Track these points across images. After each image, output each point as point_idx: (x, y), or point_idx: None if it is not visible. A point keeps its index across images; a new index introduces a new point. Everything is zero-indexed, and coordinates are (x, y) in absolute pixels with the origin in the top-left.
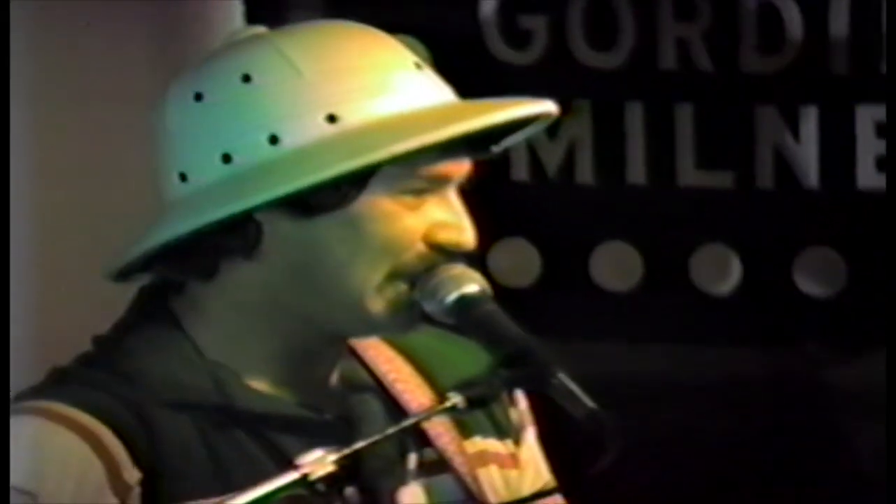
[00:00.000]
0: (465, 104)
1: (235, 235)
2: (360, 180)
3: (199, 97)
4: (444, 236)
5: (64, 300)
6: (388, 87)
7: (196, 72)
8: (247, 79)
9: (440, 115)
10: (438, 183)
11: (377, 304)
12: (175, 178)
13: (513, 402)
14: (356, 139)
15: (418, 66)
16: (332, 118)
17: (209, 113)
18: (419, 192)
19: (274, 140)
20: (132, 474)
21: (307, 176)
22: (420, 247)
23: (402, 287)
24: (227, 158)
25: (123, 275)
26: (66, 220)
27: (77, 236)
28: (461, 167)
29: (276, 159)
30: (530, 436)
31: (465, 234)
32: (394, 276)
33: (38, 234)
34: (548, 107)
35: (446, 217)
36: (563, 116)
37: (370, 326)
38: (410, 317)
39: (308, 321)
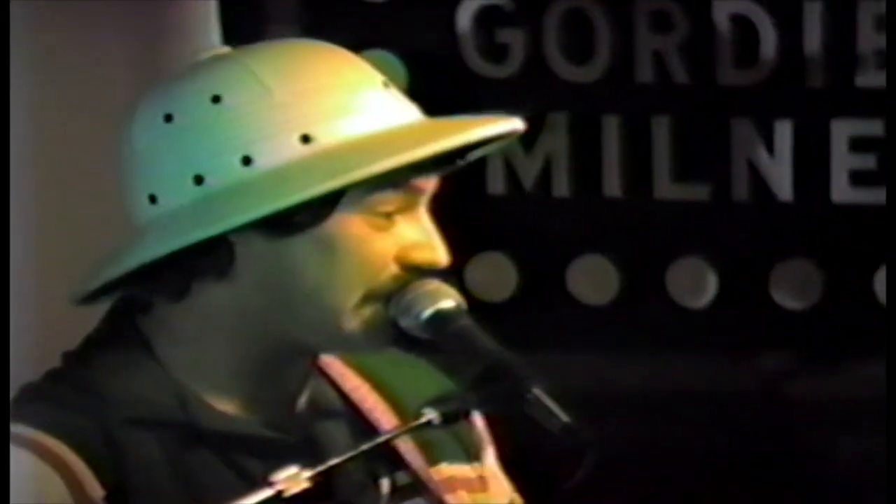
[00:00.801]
0: (434, 122)
1: (208, 257)
2: (331, 200)
3: (168, 118)
4: (418, 256)
5: (63, 302)
6: (358, 107)
7: (164, 92)
8: (217, 99)
9: (413, 134)
10: (408, 201)
11: (352, 324)
12: (144, 200)
13: (469, 422)
14: (331, 160)
15: (385, 84)
16: (305, 138)
17: (180, 134)
18: (389, 213)
19: (247, 161)
20: (96, 492)
21: (284, 197)
22: (393, 268)
23: (378, 307)
24: (198, 180)
25: (91, 298)
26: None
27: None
28: (430, 183)
29: (250, 180)
30: (490, 454)
31: (437, 252)
32: (368, 297)
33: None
34: (515, 124)
35: (417, 237)
36: (540, 130)
37: (344, 344)
38: (385, 335)
39: (278, 339)
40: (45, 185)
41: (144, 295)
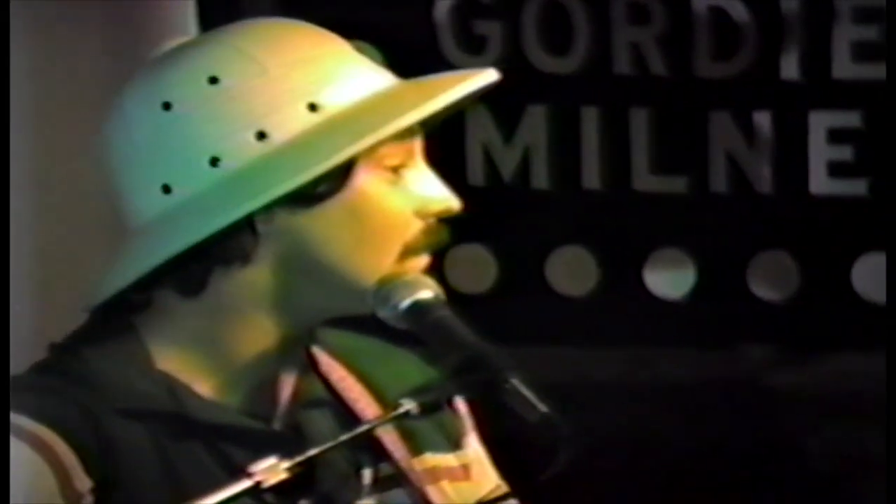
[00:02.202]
0: (419, 83)
1: (231, 242)
2: (348, 164)
3: (167, 106)
4: (436, 208)
5: (63, 300)
6: (348, 73)
7: (155, 80)
8: (214, 81)
9: (410, 94)
10: (408, 152)
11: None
12: (156, 192)
13: (453, 409)
14: (345, 125)
15: (361, 50)
16: (312, 107)
17: (184, 120)
18: (395, 167)
19: (261, 136)
20: (84, 482)
21: (308, 169)
22: (418, 222)
23: (416, 261)
24: (214, 162)
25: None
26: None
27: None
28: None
29: (269, 155)
30: (473, 440)
31: (451, 200)
32: (406, 252)
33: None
34: (492, 76)
35: (427, 188)
36: (518, 122)
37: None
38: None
39: (294, 315)
40: (23, 183)
41: (164, 291)
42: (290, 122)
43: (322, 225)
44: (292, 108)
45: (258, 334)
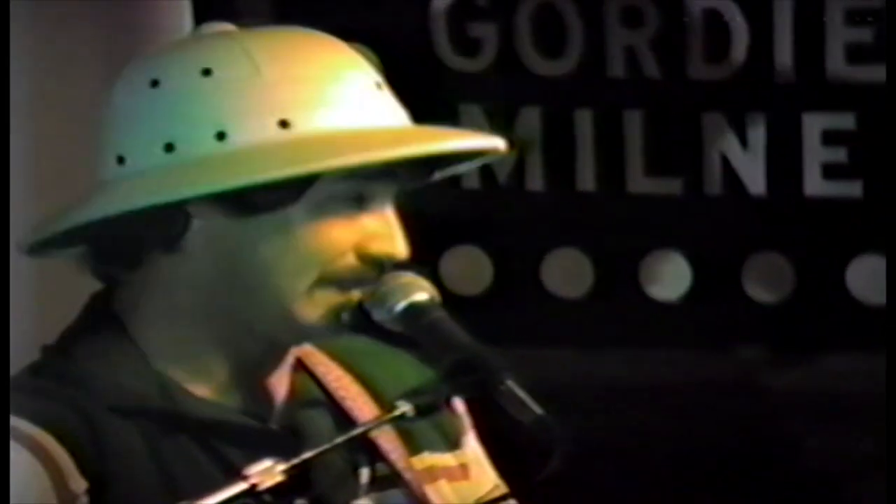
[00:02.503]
0: (417, 129)
1: (162, 225)
2: (299, 187)
3: (155, 83)
4: (377, 247)
5: (64, 297)
6: (343, 101)
7: (156, 59)
8: (207, 72)
9: (390, 136)
10: (375, 193)
11: (306, 310)
12: (112, 159)
13: (451, 409)
14: (304, 147)
15: (379, 85)
16: (283, 123)
17: (162, 100)
18: (356, 205)
19: (221, 136)
20: (78, 483)
21: (248, 175)
22: (350, 258)
23: (332, 293)
24: (169, 147)
25: (39, 249)
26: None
27: None
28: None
29: (220, 155)
30: (471, 440)
31: (396, 244)
32: (322, 281)
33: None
34: (496, 143)
35: (378, 228)
36: (513, 124)
37: (300, 333)
38: (338, 322)
39: (239, 323)
40: (22, 182)
41: (97, 259)
42: (254, 131)
43: (251, 236)
44: (263, 119)
45: (220, 334)
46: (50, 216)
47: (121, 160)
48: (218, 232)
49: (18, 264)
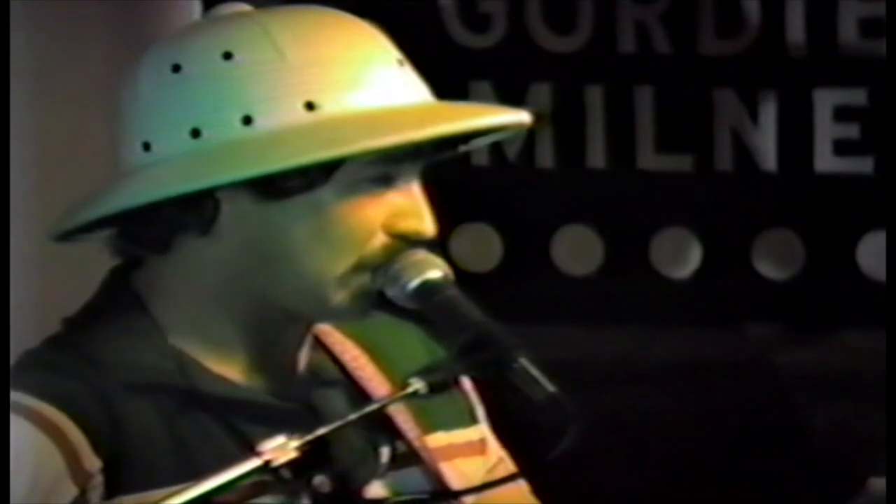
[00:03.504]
0: (442, 105)
1: (192, 210)
2: (327, 169)
3: (176, 68)
4: (405, 225)
5: (64, 291)
6: (369, 82)
7: (177, 43)
8: (228, 56)
9: (417, 115)
10: (403, 172)
11: (339, 295)
12: (138, 146)
13: (458, 387)
14: (331, 130)
15: (400, 62)
16: (310, 105)
17: (185, 85)
18: (383, 184)
19: (247, 120)
20: (92, 462)
21: (278, 161)
22: (381, 237)
23: (364, 277)
24: (196, 133)
25: (66, 236)
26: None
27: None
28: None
29: (247, 139)
30: (481, 415)
31: (424, 221)
32: (358, 267)
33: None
34: (522, 117)
35: (406, 206)
36: (523, 101)
37: (329, 313)
38: (367, 305)
39: (265, 304)
40: (24, 182)
41: (128, 244)
42: (281, 115)
43: (282, 221)
44: (289, 102)
45: (243, 310)
46: (79, 203)
47: (147, 147)
48: (247, 215)
49: (18, 263)
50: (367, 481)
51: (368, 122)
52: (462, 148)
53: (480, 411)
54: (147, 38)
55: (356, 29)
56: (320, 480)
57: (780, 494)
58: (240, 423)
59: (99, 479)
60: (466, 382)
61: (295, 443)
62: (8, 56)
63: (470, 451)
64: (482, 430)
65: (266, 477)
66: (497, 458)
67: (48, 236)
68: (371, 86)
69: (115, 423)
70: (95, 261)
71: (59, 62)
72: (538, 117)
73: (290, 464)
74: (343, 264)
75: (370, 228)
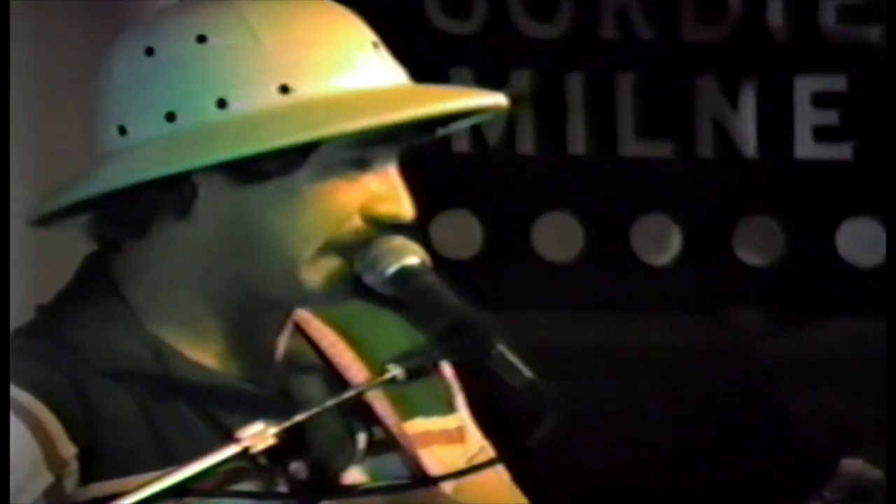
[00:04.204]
0: (417, 88)
1: (169, 194)
2: (303, 152)
3: (150, 52)
4: (383, 209)
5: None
6: (344, 65)
7: (151, 26)
8: (202, 39)
9: (393, 98)
10: (379, 155)
11: (311, 276)
12: (113, 131)
13: (438, 373)
14: (306, 112)
15: (375, 45)
16: (284, 88)
17: (159, 69)
18: (359, 167)
19: (222, 104)
20: (68, 449)
21: (252, 144)
22: (357, 221)
23: (336, 260)
24: (171, 117)
25: (44, 221)
26: None
27: None
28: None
29: (222, 123)
30: (461, 402)
31: (402, 205)
32: (327, 248)
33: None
34: (499, 99)
35: (383, 189)
36: (503, 87)
37: (303, 297)
38: (343, 290)
39: (242, 289)
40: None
41: (105, 228)
42: (255, 98)
43: (257, 203)
44: (263, 86)
45: (220, 295)
46: (55, 189)
47: (122, 131)
48: (223, 198)
49: (19, 260)
50: (343, 467)
51: (343, 105)
52: (440, 131)
53: (460, 400)
54: (121, 8)
55: (331, 12)
56: (297, 467)
57: (760, 479)
58: (216, 410)
59: (74, 466)
60: (448, 370)
61: (273, 429)
62: (8, 56)
63: (446, 440)
64: (461, 418)
65: (243, 463)
66: (479, 447)
67: (26, 222)
68: (346, 69)
69: (91, 409)
70: None
71: (60, 62)
72: (517, 99)
73: (267, 450)
74: (313, 245)
75: (346, 212)
